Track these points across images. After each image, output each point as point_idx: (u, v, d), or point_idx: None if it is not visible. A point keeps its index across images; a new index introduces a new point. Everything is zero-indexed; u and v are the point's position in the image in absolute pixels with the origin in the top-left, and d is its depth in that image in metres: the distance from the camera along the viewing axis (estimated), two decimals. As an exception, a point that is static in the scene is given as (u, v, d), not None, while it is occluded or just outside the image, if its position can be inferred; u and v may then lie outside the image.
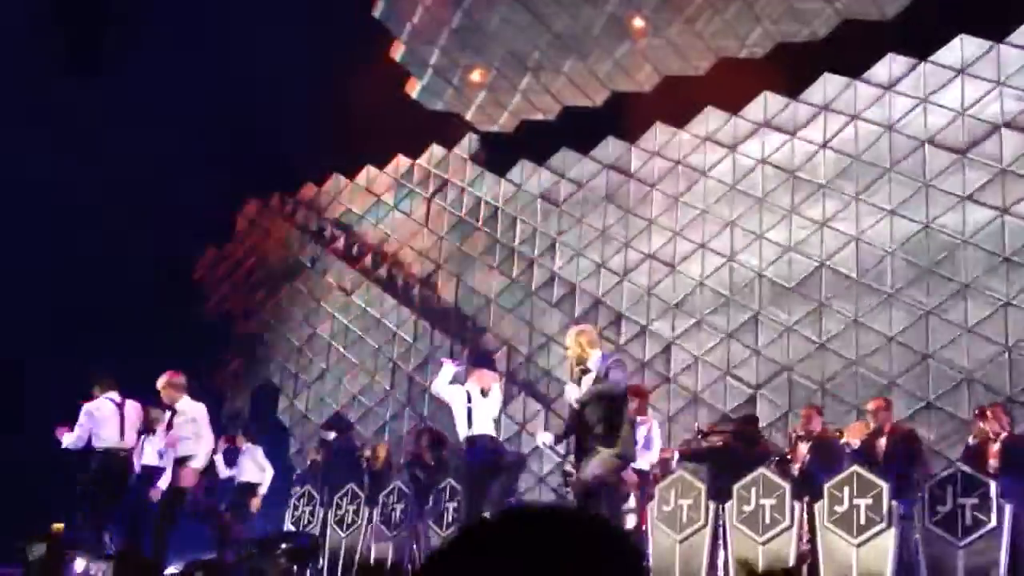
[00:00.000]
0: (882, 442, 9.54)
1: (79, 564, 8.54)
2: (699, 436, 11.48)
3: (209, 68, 15.69)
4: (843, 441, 10.22)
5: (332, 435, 14.02)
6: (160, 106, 15.92)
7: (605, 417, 7.49)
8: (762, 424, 13.92)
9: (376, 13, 17.59)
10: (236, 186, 19.73)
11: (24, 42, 14.76)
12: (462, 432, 8.85)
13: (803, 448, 10.29)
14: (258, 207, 21.96)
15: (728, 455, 10.77)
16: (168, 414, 9.42)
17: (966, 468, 8.59)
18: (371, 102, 16.81)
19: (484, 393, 8.91)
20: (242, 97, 16.09)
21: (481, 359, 9.43)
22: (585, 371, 7.64)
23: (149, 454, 10.38)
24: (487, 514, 8.37)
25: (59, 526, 9.51)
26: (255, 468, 12.11)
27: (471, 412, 8.82)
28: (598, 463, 7.45)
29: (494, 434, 8.90)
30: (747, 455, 10.77)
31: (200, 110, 16.12)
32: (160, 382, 9.44)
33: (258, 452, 12.68)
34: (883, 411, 9.75)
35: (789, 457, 10.24)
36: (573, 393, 7.66)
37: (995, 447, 9.19)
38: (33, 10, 14.83)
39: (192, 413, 9.36)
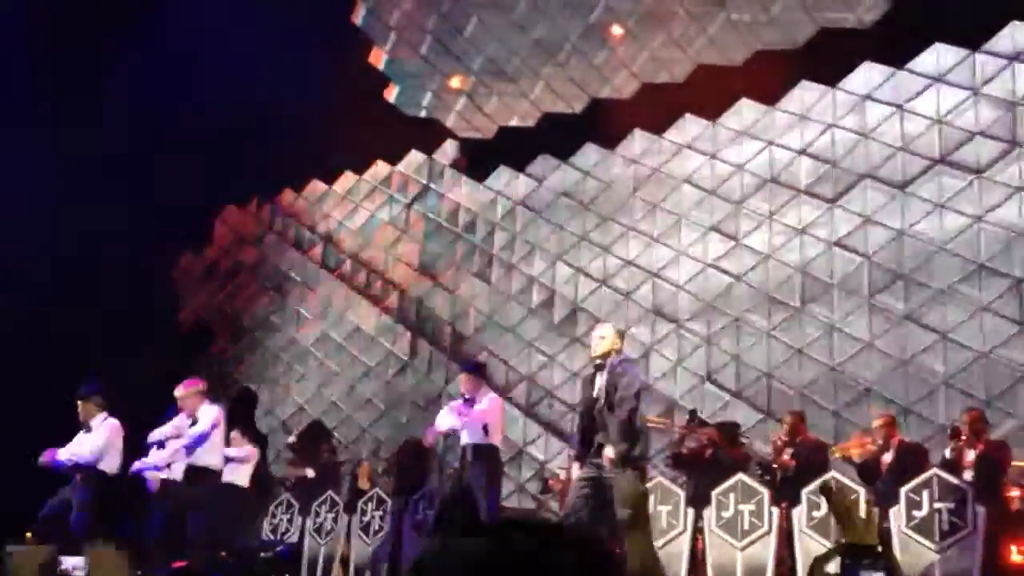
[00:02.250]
0: (886, 457, 9.57)
1: (65, 561, 8.48)
2: (691, 421, 11.55)
3: (187, 72, 15.62)
4: (836, 456, 10.27)
5: (326, 454, 14.07)
6: (138, 109, 15.82)
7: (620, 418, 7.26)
8: (741, 429, 14.00)
9: (357, 20, 17.56)
10: (214, 191, 19.65)
11: (4, 44, 14.67)
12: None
13: (787, 454, 10.35)
14: (236, 212, 21.86)
15: (712, 459, 10.82)
16: (188, 422, 9.29)
17: (943, 473, 8.65)
18: (351, 108, 16.79)
19: (469, 402, 8.82)
20: (221, 101, 16.01)
21: (465, 366, 9.28)
22: (601, 368, 7.47)
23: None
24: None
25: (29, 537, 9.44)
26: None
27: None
28: (622, 498, 7.10)
29: (480, 441, 8.76)
30: (730, 456, 10.84)
31: (178, 114, 16.04)
32: (181, 391, 9.33)
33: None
34: (889, 427, 9.77)
35: (775, 465, 10.29)
36: (596, 390, 7.44)
37: (970, 457, 9.24)
38: (17, 13, 14.70)
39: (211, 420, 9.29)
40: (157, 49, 15.55)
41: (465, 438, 8.84)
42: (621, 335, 7.86)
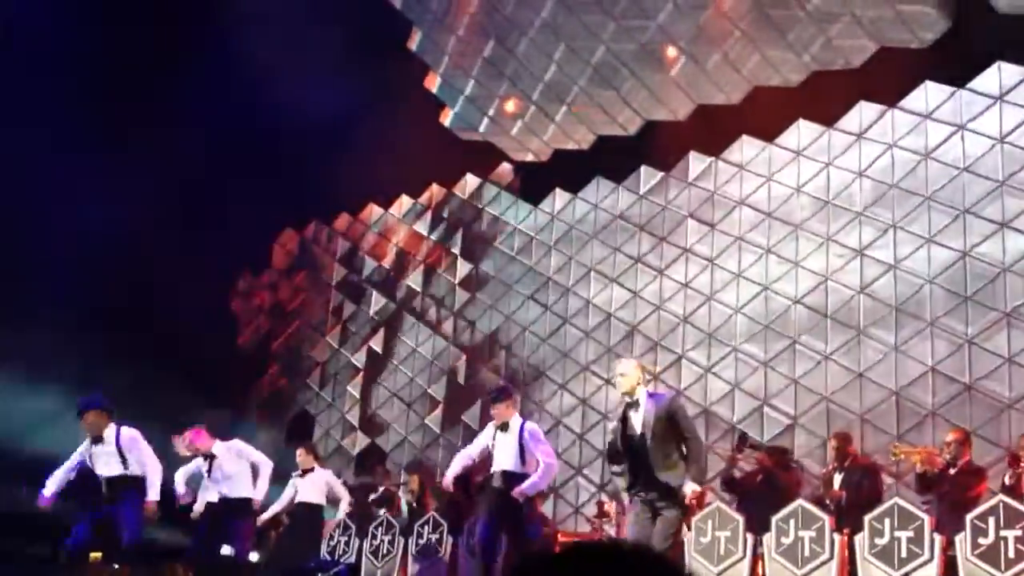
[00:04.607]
0: (950, 473, 9.41)
1: None
2: (741, 445, 11.43)
3: (244, 98, 15.88)
4: (900, 456, 10.06)
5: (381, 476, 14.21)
6: (196, 135, 16.11)
7: (675, 443, 7.24)
8: (799, 455, 13.81)
9: (413, 46, 17.75)
10: (273, 216, 19.92)
11: (71, 72, 15.08)
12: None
13: (837, 481, 10.17)
14: (294, 236, 22.15)
15: (764, 483, 10.70)
16: (205, 463, 9.69)
17: (1009, 499, 8.46)
18: (407, 132, 16.94)
19: (503, 428, 8.78)
20: (277, 127, 16.26)
21: (497, 394, 9.10)
22: (634, 405, 7.36)
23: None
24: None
25: (96, 555, 9.59)
26: (316, 491, 11.79)
27: (493, 450, 8.77)
28: (664, 529, 7.12)
29: (513, 468, 8.68)
30: (783, 480, 10.70)
31: (235, 140, 16.31)
32: (187, 445, 9.74)
33: (327, 475, 12.29)
34: (961, 444, 9.61)
35: (825, 500, 10.07)
36: (634, 426, 7.31)
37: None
38: (86, 50, 15.09)
39: (231, 453, 9.65)
40: (216, 76, 15.84)
41: (499, 464, 8.74)
42: (643, 368, 7.77)
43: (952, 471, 9.46)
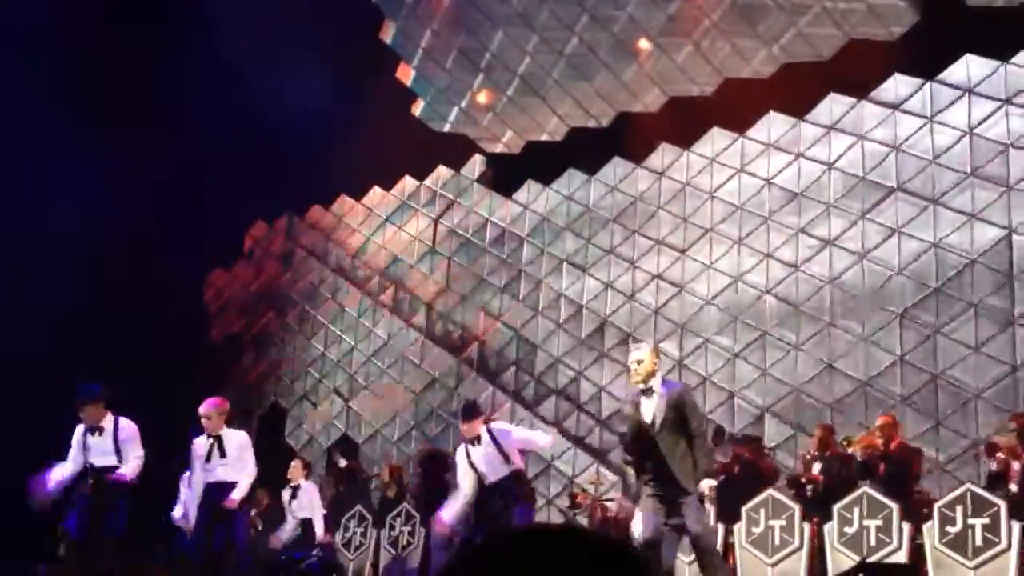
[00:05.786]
0: (886, 454, 9.55)
1: None
2: (717, 439, 11.54)
3: (221, 94, 15.79)
4: (850, 451, 10.20)
5: (344, 462, 13.97)
6: (172, 129, 15.99)
7: (683, 435, 7.07)
8: (770, 444, 13.91)
9: (386, 39, 17.68)
10: (245, 208, 19.79)
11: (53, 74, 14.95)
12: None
13: (816, 468, 10.30)
14: (266, 228, 22.02)
15: (742, 473, 10.77)
16: (209, 442, 9.38)
17: (976, 488, 8.56)
18: (379, 124, 16.88)
19: (474, 442, 8.78)
20: (250, 119, 16.15)
21: (467, 412, 9.05)
22: (648, 392, 7.19)
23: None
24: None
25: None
26: (304, 507, 11.58)
27: (473, 466, 8.73)
28: (698, 514, 7.02)
29: (500, 479, 8.68)
30: (762, 468, 10.80)
31: (208, 133, 16.20)
32: (206, 410, 9.40)
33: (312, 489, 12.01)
34: (889, 427, 9.78)
35: (803, 480, 10.22)
36: (645, 415, 7.13)
37: (1016, 467, 9.13)
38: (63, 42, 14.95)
39: (236, 441, 9.44)
40: (189, 72, 15.74)
41: (489, 477, 8.71)
42: (657, 353, 7.62)
43: (888, 453, 9.63)
